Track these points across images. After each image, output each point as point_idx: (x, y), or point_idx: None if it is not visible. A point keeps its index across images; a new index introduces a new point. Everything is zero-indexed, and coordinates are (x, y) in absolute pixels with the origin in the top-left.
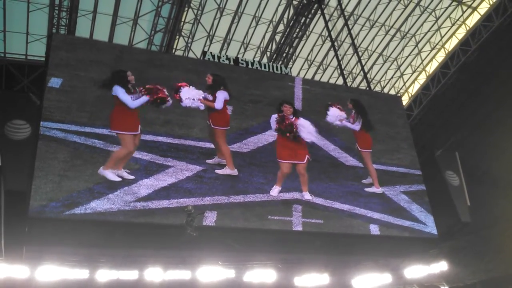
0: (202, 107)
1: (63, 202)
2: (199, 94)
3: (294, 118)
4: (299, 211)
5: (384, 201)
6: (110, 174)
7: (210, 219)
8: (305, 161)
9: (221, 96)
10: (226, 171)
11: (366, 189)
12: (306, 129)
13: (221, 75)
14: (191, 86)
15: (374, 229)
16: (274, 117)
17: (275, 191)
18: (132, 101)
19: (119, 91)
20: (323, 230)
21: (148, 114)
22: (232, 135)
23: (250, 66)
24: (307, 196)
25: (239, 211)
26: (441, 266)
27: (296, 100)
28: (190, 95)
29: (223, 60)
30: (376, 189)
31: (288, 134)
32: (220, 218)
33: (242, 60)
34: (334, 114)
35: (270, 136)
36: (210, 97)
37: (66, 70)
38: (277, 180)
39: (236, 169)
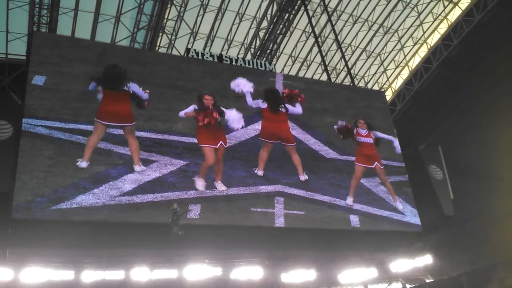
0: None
1: (49, 197)
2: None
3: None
4: (281, 203)
5: (364, 192)
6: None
7: (194, 212)
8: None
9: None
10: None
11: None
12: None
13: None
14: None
15: (354, 220)
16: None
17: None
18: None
19: (135, 87)
20: (305, 226)
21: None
22: None
23: (234, 63)
24: (219, 186)
25: (222, 203)
26: (426, 260)
27: None
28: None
29: (207, 57)
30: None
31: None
32: (204, 211)
33: (226, 57)
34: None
35: (252, 130)
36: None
37: (50, 68)
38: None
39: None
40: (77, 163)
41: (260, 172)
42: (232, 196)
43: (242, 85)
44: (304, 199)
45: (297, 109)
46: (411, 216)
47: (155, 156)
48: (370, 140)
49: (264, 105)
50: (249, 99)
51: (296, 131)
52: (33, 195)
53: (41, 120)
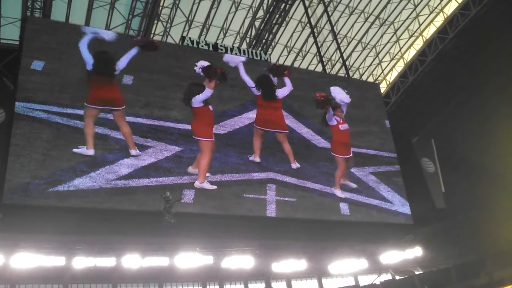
0: None
1: (46, 180)
2: None
3: None
4: (273, 189)
5: (354, 181)
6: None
7: (188, 197)
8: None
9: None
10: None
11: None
12: None
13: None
14: None
15: (344, 207)
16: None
17: None
18: None
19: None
20: (296, 213)
21: (128, 96)
22: None
23: (229, 52)
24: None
25: (216, 189)
26: (416, 252)
27: None
28: None
29: (202, 46)
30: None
31: None
32: (198, 196)
33: (221, 46)
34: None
35: (246, 118)
36: None
37: (49, 53)
38: None
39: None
40: (77, 150)
41: (257, 159)
42: (225, 182)
43: (236, 57)
44: (296, 186)
45: (288, 86)
46: (399, 205)
47: (151, 142)
48: (347, 126)
49: (258, 93)
50: (242, 70)
51: (289, 120)
52: (31, 177)
53: (39, 104)
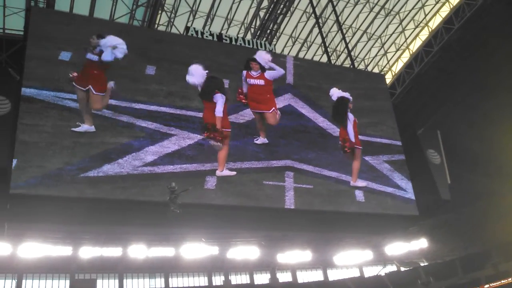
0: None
1: (77, 166)
2: None
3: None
4: (291, 177)
5: (368, 169)
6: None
7: (210, 183)
8: None
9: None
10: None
11: None
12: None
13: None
14: None
15: (359, 195)
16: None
17: None
18: None
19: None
20: (313, 204)
21: (151, 86)
22: (229, 107)
23: (234, 43)
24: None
25: (236, 176)
26: (421, 243)
27: (288, 74)
28: None
29: (206, 36)
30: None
31: None
32: (220, 183)
33: (225, 36)
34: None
35: None
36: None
37: (74, 45)
38: None
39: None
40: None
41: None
42: (245, 170)
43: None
44: (313, 174)
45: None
46: (413, 193)
47: (174, 130)
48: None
49: None
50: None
51: (305, 110)
52: (63, 163)
53: (68, 93)
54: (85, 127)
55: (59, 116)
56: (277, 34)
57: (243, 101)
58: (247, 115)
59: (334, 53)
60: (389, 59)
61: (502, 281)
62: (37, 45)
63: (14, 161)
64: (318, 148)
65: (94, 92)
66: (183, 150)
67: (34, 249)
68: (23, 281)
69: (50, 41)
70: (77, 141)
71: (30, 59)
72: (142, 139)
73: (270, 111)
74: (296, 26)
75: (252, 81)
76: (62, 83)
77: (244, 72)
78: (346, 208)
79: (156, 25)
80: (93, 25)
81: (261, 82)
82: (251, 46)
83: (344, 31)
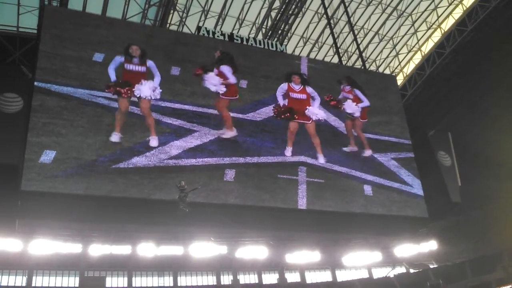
0: (222, 91)
1: (109, 158)
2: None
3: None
4: (304, 171)
5: (377, 165)
6: None
7: (229, 175)
8: None
9: (227, 70)
10: (227, 133)
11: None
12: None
13: (228, 52)
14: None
15: (367, 189)
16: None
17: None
18: None
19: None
20: (326, 209)
21: (176, 85)
22: (247, 106)
23: (245, 43)
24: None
25: (253, 170)
26: (431, 245)
27: None
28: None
29: (217, 36)
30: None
31: None
32: (238, 175)
33: (237, 36)
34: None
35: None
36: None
37: (107, 47)
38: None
39: (235, 129)
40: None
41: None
42: (261, 164)
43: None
44: (324, 169)
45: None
46: (418, 188)
47: (196, 126)
48: None
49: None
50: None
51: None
52: (97, 155)
53: (100, 92)
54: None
55: (93, 112)
56: (289, 34)
57: (285, 115)
58: (263, 113)
59: (345, 54)
60: (400, 60)
61: None
62: (73, 47)
63: (54, 153)
64: (330, 145)
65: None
66: (205, 145)
67: (44, 246)
68: (33, 277)
69: (84, 44)
70: (109, 135)
71: (68, 60)
72: (167, 134)
73: (310, 122)
74: (307, 27)
75: (295, 95)
76: (96, 82)
77: (285, 85)
78: (355, 201)
79: (168, 25)
80: (124, 28)
81: (304, 96)
82: (262, 46)
83: (356, 32)
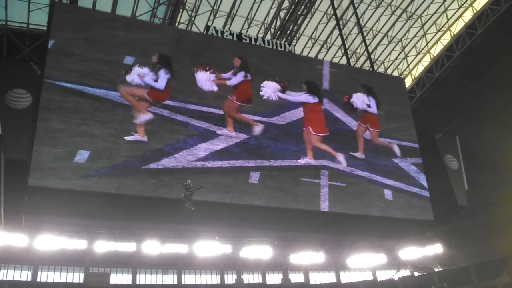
0: (215, 89)
1: (140, 159)
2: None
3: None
4: (326, 175)
5: (397, 170)
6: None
7: (254, 177)
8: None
9: (240, 76)
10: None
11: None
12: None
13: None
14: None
15: (388, 193)
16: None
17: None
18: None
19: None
20: (348, 211)
21: (200, 89)
22: (271, 110)
23: (253, 43)
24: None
25: (277, 172)
26: (436, 249)
27: (324, 81)
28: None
29: (226, 36)
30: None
31: None
32: (262, 178)
33: (245, 36)
34: (270, 86)
35: (301, 111)
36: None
37: (136, 50)
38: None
39: (234, 132)
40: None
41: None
42: (285, 167)
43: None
44: (346, 173)
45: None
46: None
47: (222, 129)
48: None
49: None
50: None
51: (340, 114)
52: (127, 156)
53: None
54: (138, 137)
55: (123, 114)
56: (297, 35)
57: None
58: (287, 117)
59: (354, 55)
60: (409, 62)
61: None
62: (104, 50)
63: (87, 153)
64: (352, 149)
65: None
66: (230, 148)
67: (50, 241)
68: (39, 272)
69: (115, 47)
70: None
71: (101, 63)
72: (195, 137)
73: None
74: (316, 28)
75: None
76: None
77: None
78: (375, 205)
79: (176, 24)
80: (153, 33)
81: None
82: (270, 46)
83: (365, 33)
